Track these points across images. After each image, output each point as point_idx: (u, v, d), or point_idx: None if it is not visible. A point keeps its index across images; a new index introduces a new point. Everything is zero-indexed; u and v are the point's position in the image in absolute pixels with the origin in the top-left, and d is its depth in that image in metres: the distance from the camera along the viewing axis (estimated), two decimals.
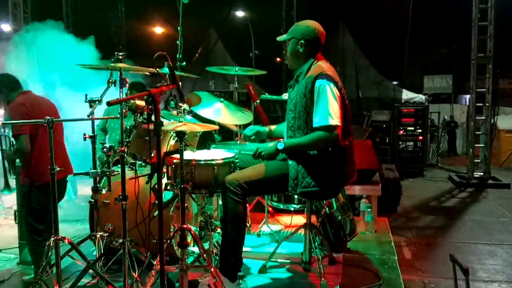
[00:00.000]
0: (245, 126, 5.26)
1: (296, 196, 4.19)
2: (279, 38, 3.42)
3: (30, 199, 3.79)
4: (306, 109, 3.16)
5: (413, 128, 11.62)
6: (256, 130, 3.59)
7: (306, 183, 3.15)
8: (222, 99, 4.24)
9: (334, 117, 3.04)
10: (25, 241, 4.05)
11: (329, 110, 3.04)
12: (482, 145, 10.66)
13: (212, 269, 3.06)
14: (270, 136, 3.67)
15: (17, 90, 3.88)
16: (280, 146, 3.15)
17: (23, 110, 3.71)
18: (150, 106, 2.47)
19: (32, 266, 3.97)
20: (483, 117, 10.54)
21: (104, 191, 3.50)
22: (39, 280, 3.07)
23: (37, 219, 3.79)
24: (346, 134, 3.19)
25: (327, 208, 4.14)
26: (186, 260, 3.02)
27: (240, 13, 15.81)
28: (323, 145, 3.11)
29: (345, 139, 3.19)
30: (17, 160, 3.97)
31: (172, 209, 3.63)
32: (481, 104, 10.53)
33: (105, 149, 3.24)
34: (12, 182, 4.13)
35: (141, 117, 3.53)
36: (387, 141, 11.58)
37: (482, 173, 10.39)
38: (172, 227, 3.55)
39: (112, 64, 3.21)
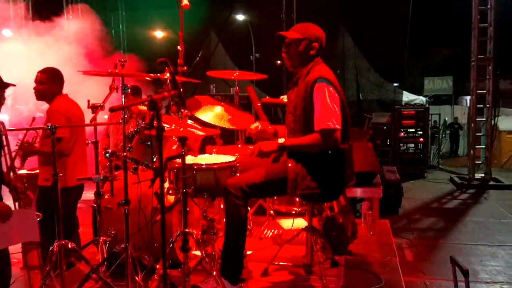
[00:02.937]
0: None
1: (297, 199, 4.21)
2: (289, 35, 3.25)
3: (48, 201, 3.80)
4: (306, 112, 3.17)
5: (414, 130, 11.63)
6: (261, 128, 3.59)
7: (305, 185, 3.16)
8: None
9: (333, 120, 3.04)
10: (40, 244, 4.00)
11: (328, 113, 3.05)
12: (483, 146, 10.67)
13: (215, 273, 3.08)
14: (276, 136, 3.66)
15: (59, 88, 3.95)
16: (281, 141, 3.17)
17: (68, 115, 3.81)
18: (152, 112, 2.49)
19: (36, 271, 3.98)
20: (484, 118, 10.55)
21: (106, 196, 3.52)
22: (43, 285, 3.10)
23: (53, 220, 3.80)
24: (345, 138, 3.20)
25: (328, 211, 4.16)
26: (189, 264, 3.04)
27: (240, 17, 15.86)
28: (322, 148, 3.12)
29: (344, 142, 3.20)
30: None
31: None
32: (481, 106, 10.55)
33: (107, 154, 3.26)
34: None
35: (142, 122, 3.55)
36: (388, 143, 11.59)
37: (483, 174, 10.41)
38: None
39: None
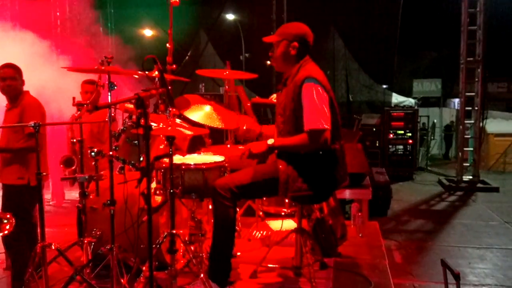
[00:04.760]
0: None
1: (286, 200, 4.17)
2: (267, 39, 3.31)
3: (22, 200, 3.73)
4: (295, 113, 3.12)
5: (403, 132, 11.67)
6: (247, 128, 3.55)
7: (296, 187, 3.11)
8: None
9: (322, 121, 2.99)
10: (6, 247, 3.93)
11: (317, 113, 3.00)
12: (471, 148, 10.73)
13: (202, 275, 3.02)
14: (260, 137, 3.62)
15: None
16: (270, 142, 3.11)
17: (42, 111, 3.76)
18: (139, 110, 2.43)
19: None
20: (472, 121, 10.61)
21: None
22: (26, 286, 3.02)
23: (25, 220, 3.73)
24: (336, 138, 3.16)
25: (318, 213, 4.12)
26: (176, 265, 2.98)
27: (230, 16, 15.81)
28: (310, 148, 3.06)
29: (335, 142, 3.16)
30: None
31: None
32: (470, 108, 10.61)
33: (93, 153, 3.19)
34: None
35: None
36: (377, 144, 11.61)
37: (471, 177, 10.46)
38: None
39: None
